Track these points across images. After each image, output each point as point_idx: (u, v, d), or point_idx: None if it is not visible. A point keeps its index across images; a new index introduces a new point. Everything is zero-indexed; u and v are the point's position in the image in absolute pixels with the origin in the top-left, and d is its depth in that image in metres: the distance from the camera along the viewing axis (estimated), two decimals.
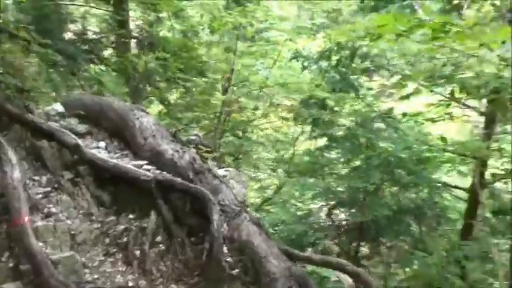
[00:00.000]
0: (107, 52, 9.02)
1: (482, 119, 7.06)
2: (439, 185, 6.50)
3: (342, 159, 6.82)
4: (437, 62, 4.08)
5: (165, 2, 7.46)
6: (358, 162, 6.41)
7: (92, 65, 7.79)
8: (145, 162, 3.83)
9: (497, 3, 7.30)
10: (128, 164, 3.79)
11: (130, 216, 3.65)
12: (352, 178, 5.95)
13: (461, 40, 2.94)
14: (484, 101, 6.85)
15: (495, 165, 6.65)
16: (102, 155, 3.93)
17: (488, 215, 6.03)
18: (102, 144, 4.15)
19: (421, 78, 5.41)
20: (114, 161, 3.83)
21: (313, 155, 7.62)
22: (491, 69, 4.69)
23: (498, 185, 7.06)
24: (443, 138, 5.65)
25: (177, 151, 3.88)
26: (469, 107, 6.72)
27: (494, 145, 6.14)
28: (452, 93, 5.35)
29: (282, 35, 7.49)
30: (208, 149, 4.20)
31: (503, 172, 6.54)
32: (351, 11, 8.33)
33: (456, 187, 6.87)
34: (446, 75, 4.68)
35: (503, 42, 2.77)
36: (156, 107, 9.03)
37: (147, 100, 8.47)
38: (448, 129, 9.12)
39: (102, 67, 8.14)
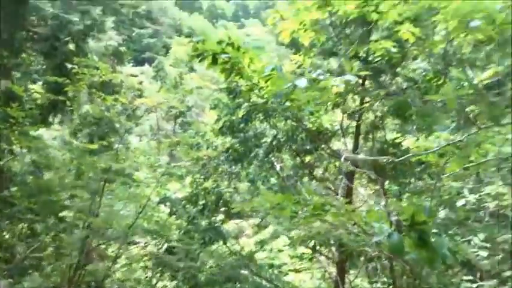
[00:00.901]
0: None
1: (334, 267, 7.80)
2: None
3: None
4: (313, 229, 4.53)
5: (23, 138, 6.86)
6: None
7: None
8: None
9: (339, 164, 8.73)
10: None
11: None
12: None
13: (336, 218, 3.39)
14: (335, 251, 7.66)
15: None
16: None
17: None
18: None
19: (299, 242, 5.87)
20: None
21: None
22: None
23: None
24: None
25: None
26: (325, 256, 7.37)
27: None
28: (314, 247, 5.86)
29: (152, 180, 7.42)
30: None
31: None
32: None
33: None
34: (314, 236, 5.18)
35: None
36: None
37: None
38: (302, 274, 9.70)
39: None
